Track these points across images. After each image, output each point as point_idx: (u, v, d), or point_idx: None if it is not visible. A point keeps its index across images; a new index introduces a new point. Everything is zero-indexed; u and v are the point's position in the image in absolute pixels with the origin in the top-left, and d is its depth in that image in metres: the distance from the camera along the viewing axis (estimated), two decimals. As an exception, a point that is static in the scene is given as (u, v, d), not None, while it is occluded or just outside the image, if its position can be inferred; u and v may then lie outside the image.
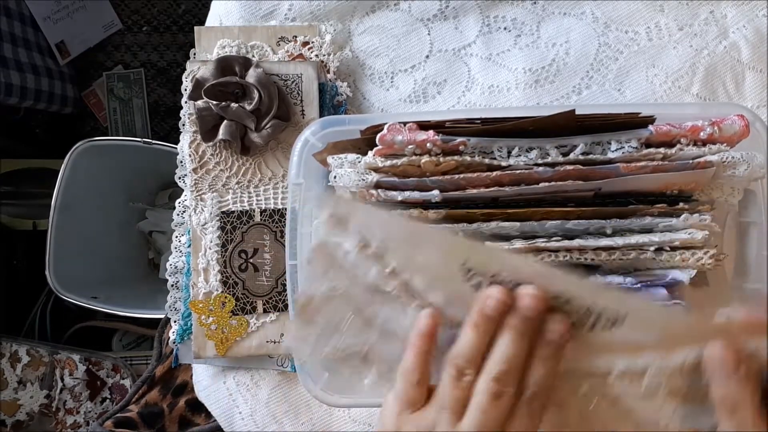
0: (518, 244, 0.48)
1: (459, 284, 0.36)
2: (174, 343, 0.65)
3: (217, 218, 0.63)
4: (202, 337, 0.62)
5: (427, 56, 0.65)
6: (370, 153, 0.49)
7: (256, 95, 0.60)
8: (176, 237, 0.66)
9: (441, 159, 0.48)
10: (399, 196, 0.49)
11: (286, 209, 0.61)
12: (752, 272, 0.52)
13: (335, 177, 0.52)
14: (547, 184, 0.47)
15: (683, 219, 0.48)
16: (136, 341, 1.32)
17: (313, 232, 0.54)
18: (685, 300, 0.48)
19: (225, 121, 0.61)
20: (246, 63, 0.61)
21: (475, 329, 0.35)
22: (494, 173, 0.48)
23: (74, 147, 1.00)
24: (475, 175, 0.48)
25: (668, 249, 0.49)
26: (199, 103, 0.61)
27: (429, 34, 0.65)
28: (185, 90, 0.63)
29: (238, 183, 0.63)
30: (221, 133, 0.61)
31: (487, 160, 0.48)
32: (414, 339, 0.37)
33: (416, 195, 0.49)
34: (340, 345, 0.39)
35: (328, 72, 0.65)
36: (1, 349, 1.10)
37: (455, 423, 0.35)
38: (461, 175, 0.48)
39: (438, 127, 0.48)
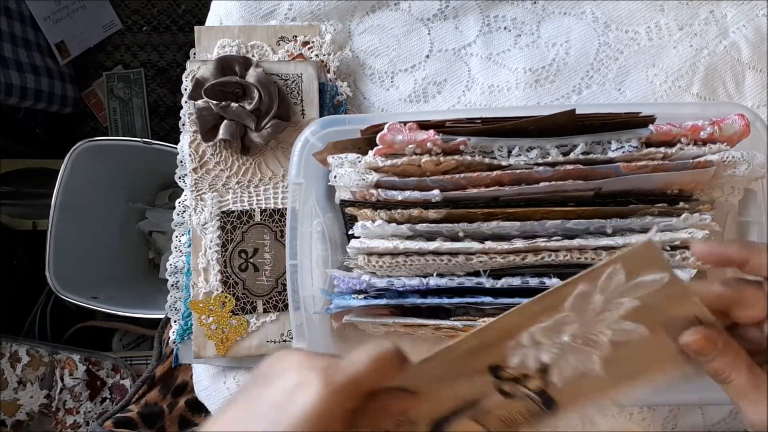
0: (518, 243, 0.48)
1: None
2: (174, 343, 0.65)
3: (217, 218, 0.63)
4: (202, 337, 0.62)
5: (427, 56, 0.65)
6: (371, 152, 0.49)
7: (256, 95, 0.60)
8: (176, 237, 0.66)
9: (441, 158, 0.48)
10: (399, 195, 0.49)
11: (286, 209, 0.61)
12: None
13: (335, 177, 0.52)
14: (547, 183, 0.47)
15: (683, 219, 0.48)
16: (136, 341, 1.32)
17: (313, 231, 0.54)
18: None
19: (225, 121, 0.61)
20: (246, 63, 0.61)
21: None
22: (494, 173, 0.48)
23: (74, 147, 1.00)
24: (476, 174, 0.48)
25: (668, 249, 0.49)
26: (199, 102, 0.61)
27: (429, 33, 0.65)
28: (185, 90, 0.63)
29: (238, 183, 0.63)
30: (221, 132, 0.61)
31: (487, 160, 0.48)
32: None
33: (416, 194, 0.49)
34: None
35: (328, 72, 0.65)
36: (1, 349, 1.10)
37: None
38: (461, 175, 0.48)
39: (438, 126, 0.48)
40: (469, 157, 0.48)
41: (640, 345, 0.37)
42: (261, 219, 0.63)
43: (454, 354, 0.36)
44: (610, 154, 0.48)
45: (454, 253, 0.49)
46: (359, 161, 0.50)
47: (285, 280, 0.60)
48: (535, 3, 0.64)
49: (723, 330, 0.37)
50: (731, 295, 0.37)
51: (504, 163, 0.48)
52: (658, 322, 0.37)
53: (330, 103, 0.64)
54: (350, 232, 0.53)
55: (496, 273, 0.50)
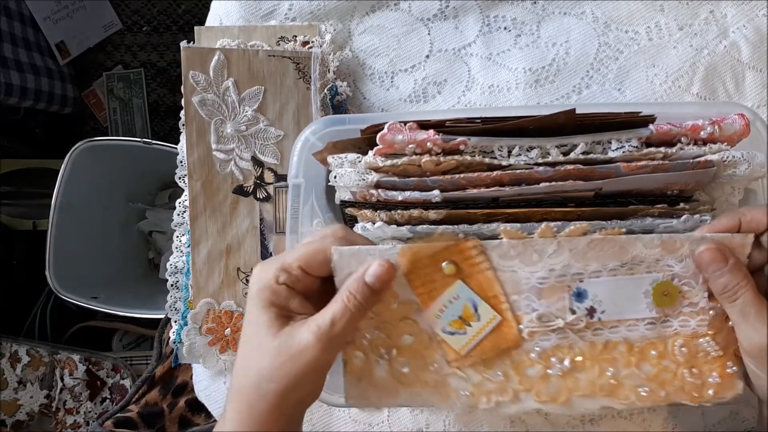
0: (518, 244, 0.48)
1: None
2: (174, 343, 0.65)
3: (217, 218, 0.63)
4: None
5: (427, 56, 0.65)
6: (371, 152, 0.49)
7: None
8: (176, 237, 0.66)
9: (441, 158, 0.48)
10: (399, 195, 0.49)
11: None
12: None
13: (335, 177, 0.52)
14: (547, 183, 0.47)
15: (684, 220, 0.48)
16: (136, 341, 1.32)
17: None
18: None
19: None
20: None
21: None
22: (495, 173, 0.48)
23: (74, 147, 1.00)
24: (476, 174, 0.48)
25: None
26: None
27: (429, 33, 0.65)
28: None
29: (238, 183, 0.63)
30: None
31: (487, 160, 0.48)
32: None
33: (416, 195, 0.49)
34: None
35: (328, 72, 0.64)
36: (1, 349, 1.10)
37: None
38: (461, 175, 0.48)
39: (438, 126, 0.48)
40: (469, 157, 0.48)
41: None
42: (261, 219, 0.63)
43: None
44: (611, 154, 0.48)
45: (454, 254, 0.49)
46: (359, 161, 0.50)
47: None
48: (535, 3, 0.64)
49: (735, 254, 0.40)
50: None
51: (504, 162, 0.48)
52: None
53: (330, 103, 0.63)
54: (350, 233, 0.53)
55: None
